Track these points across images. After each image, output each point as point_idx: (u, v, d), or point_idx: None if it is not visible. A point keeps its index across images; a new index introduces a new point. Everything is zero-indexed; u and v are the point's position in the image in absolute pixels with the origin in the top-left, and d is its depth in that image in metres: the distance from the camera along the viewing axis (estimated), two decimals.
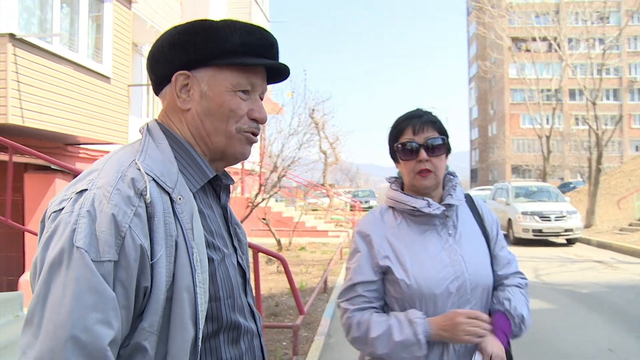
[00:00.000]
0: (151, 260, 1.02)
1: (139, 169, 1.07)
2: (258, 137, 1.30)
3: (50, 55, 7.11)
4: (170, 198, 1.08)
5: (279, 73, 1.29)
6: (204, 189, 1.22)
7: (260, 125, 1.27)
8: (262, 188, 9.82)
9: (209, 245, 1.15)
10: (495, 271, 1.84)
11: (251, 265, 6.76)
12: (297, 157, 10.69)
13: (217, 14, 18.84)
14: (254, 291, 5.29)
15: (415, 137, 1.80)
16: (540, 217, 15.39)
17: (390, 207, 1.88)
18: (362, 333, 1.74)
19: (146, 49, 10.24)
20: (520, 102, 49.28)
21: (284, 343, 5.61)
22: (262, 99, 1.26)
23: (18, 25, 6.71)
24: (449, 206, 1.82)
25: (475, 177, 74.08)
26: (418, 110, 1.88)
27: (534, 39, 24.69)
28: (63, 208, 1.03)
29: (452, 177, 1.90)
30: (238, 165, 16.75)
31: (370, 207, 34.48)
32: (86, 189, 1.03)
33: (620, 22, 29.34)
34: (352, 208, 28.32)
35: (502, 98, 62.60)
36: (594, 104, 19.09)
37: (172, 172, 1.12)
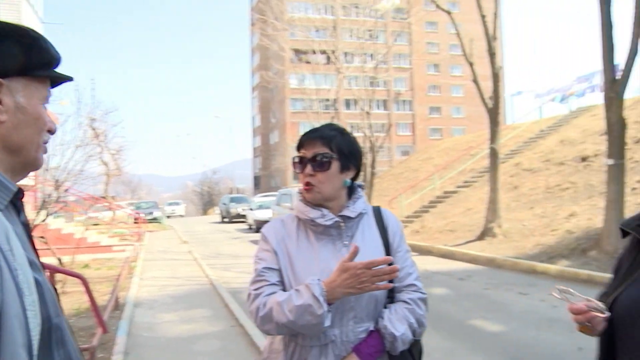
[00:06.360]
0: None
1: None
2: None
3: None
4: None
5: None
6: (7, 206, 1.08)
7: None
8: (44, 205, 8.84)
9: (31, 264, 1.02)
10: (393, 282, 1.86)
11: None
12: (81, 170, 9.85)
13: None
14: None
15: (305, 152, 1.89)
16: None
17: (296, 216, 1.94)
18: (267, 310, 1.74)
19: None
20: (300, 111, 51.74)
21: None
22: None
23: None
24: (346, 218, 1.87)
25: (258, 183, 75.76)
26: (324, 125, 1.96)
27: (313, 52, 26.21)
28: None
29: (359, 189, 1.96)
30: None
31: (154, 219, 33.19)
32: None
33: (387, 41, 32.57)
34: (136, 220, 27.10)
35: (283, 107, 65.30)
36: (368, 113, 20.88)
37: None
